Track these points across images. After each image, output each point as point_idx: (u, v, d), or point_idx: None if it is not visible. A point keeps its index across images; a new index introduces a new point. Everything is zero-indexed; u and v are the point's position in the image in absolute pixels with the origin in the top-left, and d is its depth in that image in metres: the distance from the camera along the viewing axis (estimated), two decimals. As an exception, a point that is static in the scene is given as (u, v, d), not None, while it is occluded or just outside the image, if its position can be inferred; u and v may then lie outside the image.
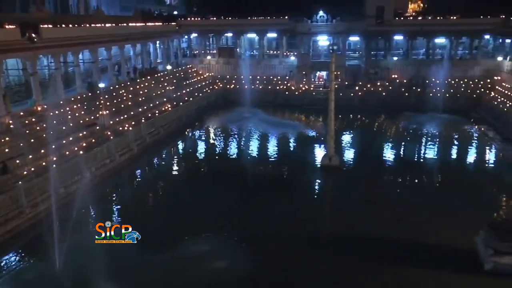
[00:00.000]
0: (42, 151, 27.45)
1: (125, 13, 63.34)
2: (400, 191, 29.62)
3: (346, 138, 43.18)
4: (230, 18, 62.39)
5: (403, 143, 40.95)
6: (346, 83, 55.30)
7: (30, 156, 26.75)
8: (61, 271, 19.08)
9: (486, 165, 36.39)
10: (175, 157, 39.52)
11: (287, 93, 56.16)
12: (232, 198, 27.63)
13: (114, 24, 46.07)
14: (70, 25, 38.41)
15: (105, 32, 43.31)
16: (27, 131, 29.46)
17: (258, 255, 20.91)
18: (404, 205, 26.57)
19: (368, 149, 38.89)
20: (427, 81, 53.47)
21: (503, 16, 53.44)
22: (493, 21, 54.12)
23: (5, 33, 30.66)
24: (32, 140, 28.54)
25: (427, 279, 19.32)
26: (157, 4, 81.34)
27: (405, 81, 55.35)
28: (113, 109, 37.80)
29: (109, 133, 34.09)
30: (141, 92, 45.39)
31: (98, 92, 37.28)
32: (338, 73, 50.13)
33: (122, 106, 40.02)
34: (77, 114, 34.49)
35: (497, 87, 50.56)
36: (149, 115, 40.69)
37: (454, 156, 38.36)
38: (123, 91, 43.16)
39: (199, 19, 65.51)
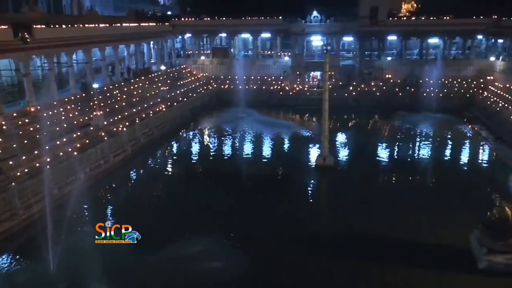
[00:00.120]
0: (36, 152, 27.26)
1: (118, 13, 63.06)
2: (395, 191, 29.76)
3: (340, 138, 43.31)
4: (224, 18, 62.31)
5: (397, 143, 41.13)
6: (340, 83, 55.42)
7: (24, 157, 26.56)
8: (55, 273, 18.98)
9: (480, 164, 36.62)
10: (170, 157, 39.43)
11: (281, 93, 56.22)
12: (226, 198, 27.70)
13: (107, 25, 45.84)
14: (64, 26, 38.13)
15: (98, 32, 43.09)
16: (20, 132, 29.25)
17: (254, 255, 20.94)
18: (399, 204, 26.69)
19: (362, 149, 39.06)
20: (420, 81, 53.72)
21: (495, 17, 53.78)
22: (486, 22, 54.45)
23: (-2, 34, 30.46)
24: (25, 141, 28.35)
25: (421, 277, 19.41)
26: (151, 4, 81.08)
27: (399, 81, 55.55)
28: (107, 109, 37.62)
29: (103, 133, 33.95)
30: (135, 92, 45.24)
31: (92, 92, 37.12)
32: (332, 73, 50.29)
33: (116, 106, 39.85)
34: (70, 115, 34.32)
35: (490, 87, 50.89)
36: (143, 115, 40.57)
37: (447, 155, 38.56)
38: (117, 91, 42.99)
39: (193, 19, 65.32)
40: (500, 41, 54.80)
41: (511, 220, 19.48)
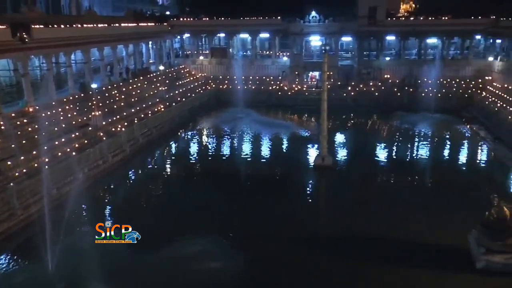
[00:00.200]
0: (34, 152, 27.27)
1: (117, 14, 63.01)
2: (393, 191, 29.78)
3: (339, 138, 43.34)
4: (222, 19, 62.31)
5: (395, 143, 41.17)
6: (339, 83, 55.45)
7: (22, 158, 26.55)
8: (53, 273, 18.96)
9: (478, 164, 36.68)
10: (168, 158, 39.42)
11: (279, 93, 56.24)
12: (225, 198, 27.67)
13: (106, 25, 45.86)
14: (62, 26, 38.12)
15: (97, 32, 43.08)
16: (19, 132, 29.24)
17: (253, 255, 20.94)
18: (397, 204, 26.71)
19: (360, 149, 39.09)
20: (419, 81, 53.76)
21: (494, 17, 53.84)
22: (484, 22, 54.51)
23: (-4, 34, 30.45)
24: (23, 142, 28.32)
25: (419, 277, 19.43)
26: (150, 5, 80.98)
27: (397, 81, 55.59)
28: (106, 109, 37.63)
29: (101, 134, 33.93)
30: (133, 92, 45.23)
31: (90, 92, 37.12)
32: (331, 73, 50.14)
33: (115, 106, 39.84)
34: (69, 115, 34.32)
35: (488, 87, 50.95)
36: (142, 115, 40.56)
37: (446, 155, 38.60)
38: (115, 91, 42.98)
39: (191, 19, 65.32)
40: (498, 41, 54.89)
41: (509, 220, 19.52)
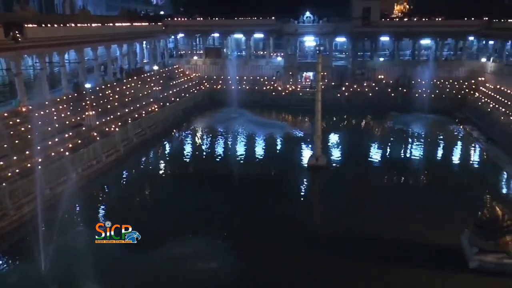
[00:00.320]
0: (27, 152, 27.10)
1: (111, 13, 62.86)
2: (387, 191, 29.90)
3: (333, 138, 43.43)
4: (217, 19, 62.27)
5: (389, 143, 41.30)
6: (333, 83, 55.56)
7: (15, 158, 26.38)
8: (46, 273, 18.88)
9: (471, 164, 36.90)
10: (162, 158, 39.35)
11: (274, 93, 56.29)
12: (218, 198, 27.69)
13: (100, 24, 45.69)
14: (55, 25, 37.89)
15: (91, 32, 42.93)
16: (12, 132, 29.06)
17: (247, 255, 20.98)
18: (390, 204, 26.79)
19: (354, 149, 39.25)
20: (413, 82, 53.99)
21: (486, 18, 54.15)
22: (477, 23, 54.78)
23: (-11, 33, 30.26)
24: (16, 141, 28.15)
25: (412, 277, 19.52)
26: (144, 4, 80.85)
27: (391, 81, 55.79)
28: (100, 109, 37.47)
29: (95, 134, 33.80)
30: (127, 92, 45.09)
31: (84, 92, 36.96)
32: (325, 73, 50.31)
33: (109, 106, 39.70)
34: (62, 115, 34.15)
35: (481, 87, 51.26)
36: (136, 115, 40.44)
37: (439, 155, 38.79)
38: (109, 91, 42.83)
39: (185, 19, 65.17)
40: (491, 42, 55.22)
41: (501, 220, 19.65)
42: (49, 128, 30.69)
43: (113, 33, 47.04)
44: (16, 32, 32.12)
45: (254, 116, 48.50)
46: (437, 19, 57.68)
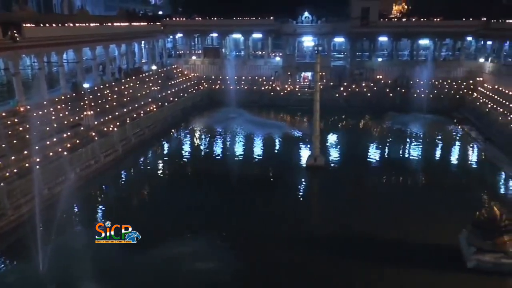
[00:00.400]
0: (25, 152, 27.06)
1: (109, 13, 62.94)
2: (385, 191, 29.91)
3: (331, 138, 43.43)
4: (215, 19, 62.29)
5: (387, 143, 41.36)
6: (331, 83, 55.59)
7: (13, 157, 26.36)
8: (44, 274, 18.85)
9: (469, 165, 36.95)
10: (160, 157, 39.28)
11: (272, 93, 56.27)
12: (217, 198, 27.74)
13: (98, 24, 45.70)
14: (54, 25, 37.91)
15: (89, 31, 42.92)
16: (10, 132, 29.07)
17: (244, 255, 20.97)
18: (389, 204, 26.81)
19: (353, 149, 39.26)
20: (411, 82, 54.03)
21: (485, 19, 54.23)
22: (475, 24, 54.84)
23: (-13, 33, 30.22)
24: (14, 141, 28.17)
25: (410, 276, 19.55)
26: (142, 4, 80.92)
27: (389, 81, 55.83)
28: (98, 109, 37.48)
29: (93, 133, 33.78)
30: (126, 92, 45.08)
31: (82, 92, 36.95)
32: (323, 73, 50.32)
33: (107, 106, 39.70)
34: (61, 115, 34.15)
35: (479, 88, 51.31)
36: (134, 115, 40.42)
37: (437, 156, 38.84)
38: (108, 91, 42.83)
39: (184, 19, 65.19)
40: (489, 43, 55.38)
41: (499, 220, 19.68)
42: (47, 128, 30.68)
43: (111, 33, 47.02)
44: (15, 31, 32.11)
45: (253, 116, 48.52)
46: (435, 19, 57.73)
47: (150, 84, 49.44)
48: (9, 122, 30.25)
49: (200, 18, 64.14)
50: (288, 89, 56.40)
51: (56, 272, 18.83)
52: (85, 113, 34.68)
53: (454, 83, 54.27)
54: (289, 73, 57.93)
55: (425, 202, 26.82)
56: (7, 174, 25.06)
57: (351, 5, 58.12)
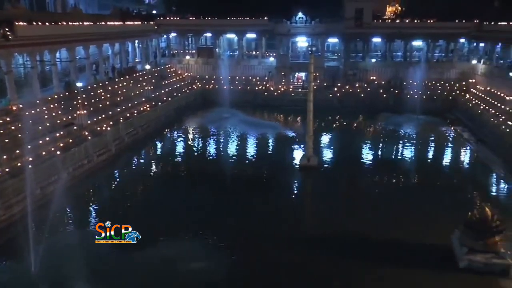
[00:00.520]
0: (17, 151, 26.89)
1: (103, 12, 62.63)
2: (378, 191, 29.95)
3: (325, 138, 43.51)
4: (209, 18, 62.11)
5: (380, 144, 41.50)
6: (325, 84, 55.70)
7: (5, 157, 26.18)
8: (36, 274, 18.74)
9: (461, 165, 37.26)
10: (154, 157, 39.20)
11: (266, 93, 56.29)
12: (211, 198, 27.65)
13: (92, 23, 45.48)
14: (47, 23, 37.66)
15: (83, 30, 42.68)
16: (1, 131, 28.84)
17: (238, 255, 21.03)
18: (382, 205, 26.95)
19: (346, 150, 39.35)
20: (404, 83, 54.24)
21: (477, 21, 54.58)
22: (468, 25, 55.16)
23: (-21, 31, 30.01)
24: (6, 140, 27.95)
25: (402, 276, 19.65)
26: (136, 3, 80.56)
27: (383, 82, 56.01)
28: (91, 108, 37.32)
29: (86, 133, 33.63)
30: (119, 91, 44.92)
31: (75, 91, 36.78)
32: (317, 74, 50.41)
33: (100, 105, 39.54)
34: (54, 114, 33.96)
35: (472, 89, 51.63)
36: (128, 115, 40.27)
37: (430, 156, 39.03)
38: (101, 90, 42.64)
39: (178, 18, 64.98)
40: (482, 44, 55.72)
41: (490, 221, 19.81)
42: (40, 127, 30.50)
43: (105, 32, 46.80)
44: (7, 30, 31.85)
45: (246, 116, 48.53)
46: (429, 21, 58.01)
47: (144, 84, 49.30)
48: (1, 121, 30.02)
49: (194, 18, 63.94)
50: (282, 89, 56.45)
51: (48, 272, 18.71)
52: (78, 112, 34.51)
53: (447, 85, 54.57)
54: (283, 73, 57.97)
55: (417, 203, 26.94)
56: (-1, 173, 24.91)
57: (344, 6, 58.19)
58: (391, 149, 40.23)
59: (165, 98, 48.93)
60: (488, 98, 45.36)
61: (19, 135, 28.40)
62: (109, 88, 44.31)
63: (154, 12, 79.87)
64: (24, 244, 19.40)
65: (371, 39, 59.08)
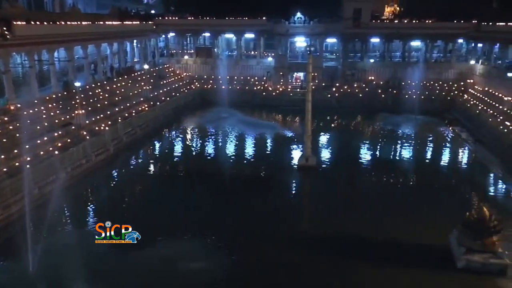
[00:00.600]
0: (16, 151, 26.83)
1: (101, 11, 62.52)
2: (376, 192, 29.96)
3: (323, 138, 43.53)
4: (207, 18, 62.16)
5: (379, 144, 41.50)
6: (323, 84, 55.72)
7: (3, 156, 26.13)
8: (34, 274, 18.70)
9: (459, 165, 37.31)
10: (152, 157, 39.14)
11: (264, 93, 56.30)
12: (209, 198, 27.64)
13: (90, 22, 45.40)
14: (45, 22, 37.57)
15: (81, 30, 42.58)
16: (0, 131, 28.77)
17: (238, 255, 21.02)
18: (380, 205, 26.94)
19: (344, 150, 39.40)
20: (403, 83, 54.36)
21: (476, 21, 54.69)
22: (466, 26, 55.26)
23: (-23, 30, 29.95)
24: (4, 140, 27.89)
25: (400, 276, 19.67)
26: (134, 3, 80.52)
27: (381, 82, 56.10)
28: (89, 108, 37.23)
29: (85, 133, 33.57)
30: (118, 91, 44.85)
31: (74, 91, 36.68)
32: (315, 74, 50.50)
33: (99, 105, 39.47)
34: (52, 114, 33.90)
35: (470, 89, 51.75)
36: (126, 114, 40.23)
37: (428, 156, 39.06)
38: (99, 90, 42.57)
39: (176, 18, 64.96)
40: (480, 45, 55.77)
41: (488, 221, 19.85)
42: (38, 127, 30.40)
43: (103, 31, 46.74)
44: (5, 29, 31.80)
45: (245, 116, 48.51)
46: (427, 21, 58.09)
47: (142, 83, 49.25)
48: (-1, 121, 30.01)
49: (192, 18, 63.92)
50: (280, 89, 56.47)
51: (46, 272, 18.67)
52: (76, 112, 34.44)
53: (445, 85, 54.67)
54: (281, 73, 57.98)
55: (416, 203, 27.01)
56: (-3, 173, 24.86)
57: (343, 6, 58.31)
58: (390, 149, 40.26)
59: (163, 98, 48.90)
60: (486, 99, 45.46)
61: (17, 135, 28.38)
62: (108, 87, 44.25)
63: (153, 11, 79.80)
64: (22, 244, 19.35)
65: (369, 39, 59.16)
